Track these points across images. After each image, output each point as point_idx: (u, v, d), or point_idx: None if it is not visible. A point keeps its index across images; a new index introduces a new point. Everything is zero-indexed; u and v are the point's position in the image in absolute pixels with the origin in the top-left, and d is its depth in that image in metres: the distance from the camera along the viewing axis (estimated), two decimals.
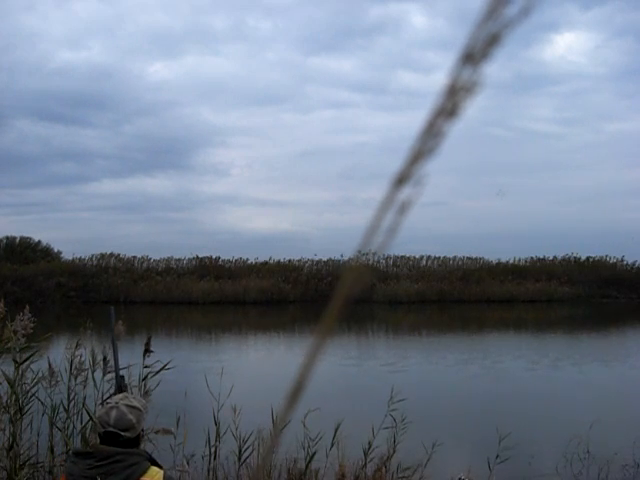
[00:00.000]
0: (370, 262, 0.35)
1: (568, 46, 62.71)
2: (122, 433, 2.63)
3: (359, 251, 0.33)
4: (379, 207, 0.31)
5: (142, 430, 2.78)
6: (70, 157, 64.89)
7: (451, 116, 0.30)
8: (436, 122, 0.30)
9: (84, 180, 65.81)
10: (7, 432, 5.82)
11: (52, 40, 62.25)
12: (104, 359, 6.10)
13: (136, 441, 2.69)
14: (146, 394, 5.75)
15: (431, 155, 0.30)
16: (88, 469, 2.56)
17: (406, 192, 0.31)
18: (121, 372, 3.47)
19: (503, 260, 43.50)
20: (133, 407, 2.70)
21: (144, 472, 2.57)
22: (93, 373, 6.32)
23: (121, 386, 3.26)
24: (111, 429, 2.63)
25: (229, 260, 43.03)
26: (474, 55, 0.28)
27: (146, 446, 2.96)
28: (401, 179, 0.31)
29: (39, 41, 61.72)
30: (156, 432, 4.80)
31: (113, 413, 2.66)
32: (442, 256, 43.23)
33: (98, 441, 2.72)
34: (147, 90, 62.74)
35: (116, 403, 2.70)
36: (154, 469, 2.63)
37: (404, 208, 0.30)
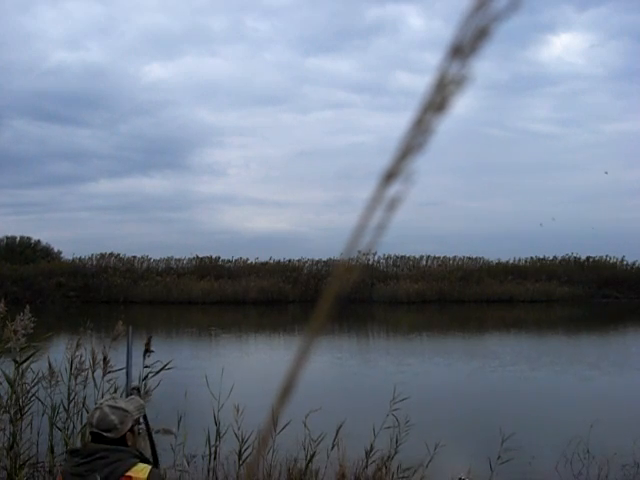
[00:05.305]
0: (360, 260, 0.34)
1: (565, 47, 62.84)
2: (104, 434, 2.63)
3: (348, 249, 0.32)
4: (368, 204, 0.30)
5: (133, 429, 2.73)
6: (66, 157, 65.00)
7: (440, 111, 0.29)
8: (425, 117, 0.30)
9: (81, 180, 65.96)
10: (7, 432, 5.82)
11: (47, 40, 62.31)
12: (104, 359, 6.10)
13: (121, 441, 2.66)
14: (146, 394, 5.75)
15: (420, 151, 0.30)
16: (75, 466, 2.60)
17: (395, 189, 0.30)
18: (135, 383, 3.46)
19: (503, 260, 43.50)
20: (117, 408, 2.68)
21: (128, 469, 2.56)
22: (93, 373, 6.32)
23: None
24: (94, 429, 2.65)
25: (229, 260, 43.05)
26: (463, 49, 0.28)
27: (140, 444, 2.93)
28: (390, 175, 0.30)
29: (34, 41, 61.73)
30: (156, 432, 4.81)
31: (96, 414, 2.67)
32: (442, 256, 43.26)
33: (90, 440, 2.74)
34: (143, 90, 62.83)
35: (100, 404, 2.72)
36: (141, 465, 2.61)
37: (393, 205, 0.30)
